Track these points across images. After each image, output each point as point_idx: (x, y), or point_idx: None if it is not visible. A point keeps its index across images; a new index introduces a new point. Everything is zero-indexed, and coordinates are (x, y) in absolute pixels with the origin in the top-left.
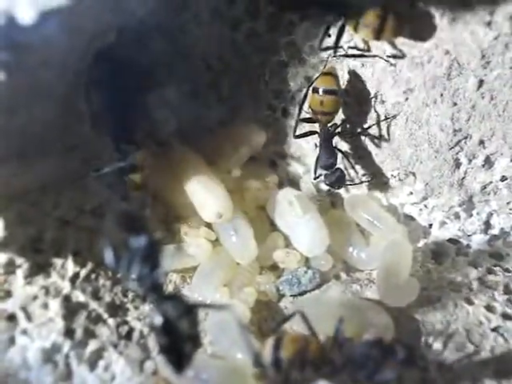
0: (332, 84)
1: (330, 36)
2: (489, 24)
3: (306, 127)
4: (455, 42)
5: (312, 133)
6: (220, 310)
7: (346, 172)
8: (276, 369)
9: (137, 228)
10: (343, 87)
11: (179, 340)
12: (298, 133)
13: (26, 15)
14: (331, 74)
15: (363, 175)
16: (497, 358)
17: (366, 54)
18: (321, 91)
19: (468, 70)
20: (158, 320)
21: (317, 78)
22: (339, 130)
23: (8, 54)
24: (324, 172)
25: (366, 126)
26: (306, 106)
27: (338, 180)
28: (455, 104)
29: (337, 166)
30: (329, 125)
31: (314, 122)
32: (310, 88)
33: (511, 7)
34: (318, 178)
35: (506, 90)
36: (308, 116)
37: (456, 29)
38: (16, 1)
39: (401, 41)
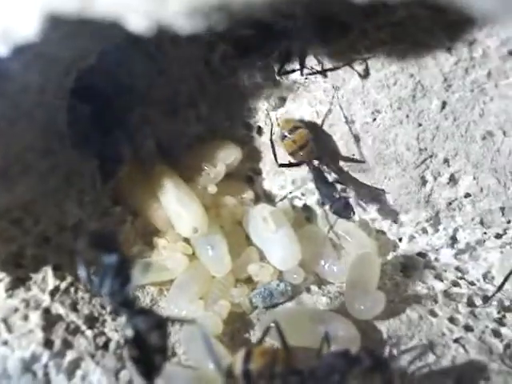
0: (292, 122)
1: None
2: (449, 49)
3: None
4: (419, 66)
5: (297, 164)
6: (188, 323)
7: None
8: (246, 381)
9: (108, 246)
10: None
11: (149, 352)
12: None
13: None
14: (286, 119)
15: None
16: (457, 368)
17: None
18: (287, 134)
19: (431, 93)
20: (129, 333)
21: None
22: (325, 161)
23: None
24: (329, 202)
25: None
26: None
27: (346, 208)
28: (420, 124)
29: (339, 195)
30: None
31: (300, 165)
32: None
33: (469, 35)
34: (324, 204)
35: (467, 111)
36: (291, 161)
37: (419, 53)
38: None
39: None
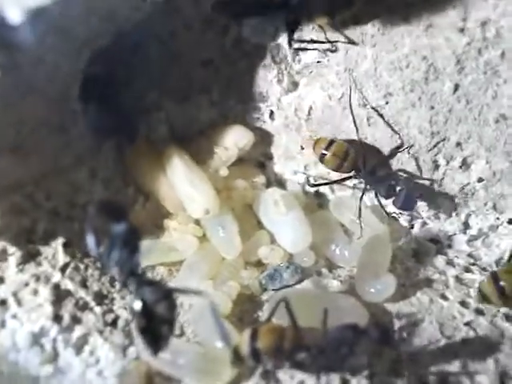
0: (323, 140)
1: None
2: (462, 30)
3: None
4: (432, 48)
5: (347, 178)
6: (196, 295)
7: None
8: (253, 359)
9: (117, 215)
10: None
11: (156, 323)
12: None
13: (14, 14)
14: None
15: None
16: (467, 350)
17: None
18: (324, 151)
19: (444, 75)
20: (137, 304)
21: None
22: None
23: (1, 54)
24: (390, 199)
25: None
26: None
27: (409, 200)
28: (433, 107)
29: (398, 188)
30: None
31: (349, 178)
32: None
33: (482, 13)
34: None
35: (480, 94)
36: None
37: (432, 35)
38: (3, 2)
39: (380, 47)
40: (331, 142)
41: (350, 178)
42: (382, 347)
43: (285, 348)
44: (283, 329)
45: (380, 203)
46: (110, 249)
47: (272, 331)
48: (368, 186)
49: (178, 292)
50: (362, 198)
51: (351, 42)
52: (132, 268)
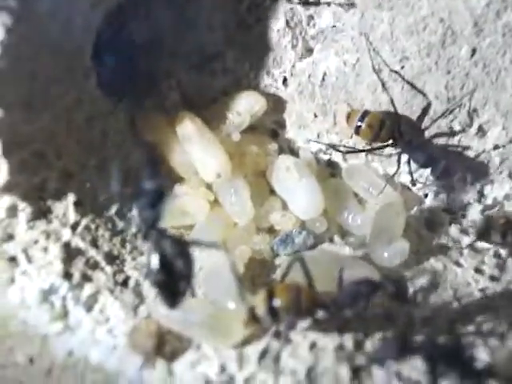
0: (356, 111)
1: None
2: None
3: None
4: (449, 10)
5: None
6: (214, 247)
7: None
8: (272, 318)
9: (151, 168)
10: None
11: (174, 277)
12: None
13: None
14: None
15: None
16: (481, 315)
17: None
18: (359, 123)
19: (462, 38)
20: (155, 258)
21: None
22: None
23: (16, 1)
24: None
25: None
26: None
27: (445, 170)
28: (449, 72)
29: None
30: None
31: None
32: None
33: None
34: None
35: (498, 58)
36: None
37: None
38: None
39: (396, 10)
40: (365, 113)
41: (386, 146)
42: (396, 301)
43: (302, 305)
44: (300, 286)
45: (410, 171)
46: (137, 199)
47: (289, 289)
48: (405, 155)
49: (197, 246)
50: (398, 167)
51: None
52: (153, 219)
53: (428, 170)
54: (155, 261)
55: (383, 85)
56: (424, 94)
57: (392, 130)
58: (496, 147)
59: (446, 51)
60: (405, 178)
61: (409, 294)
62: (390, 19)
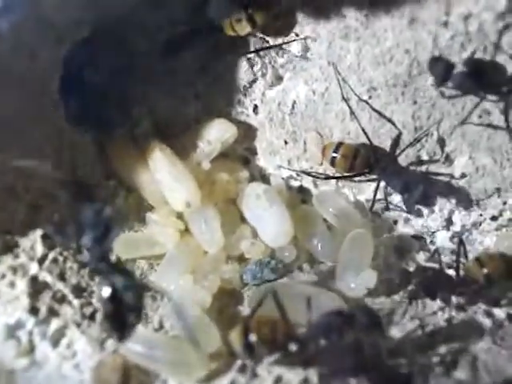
0: (331, 143)
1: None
2: (445, 24)
3: None
4: (415, 41)
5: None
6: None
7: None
8: (249, 353)
9: (87, 197)
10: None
11: (124, 310)
12: None
13: None
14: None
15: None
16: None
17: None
18: (334, 154)
19: (428, 69)
20: (106, 291)
21: None
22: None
23: None
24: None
25: None
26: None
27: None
28: (415, 102)
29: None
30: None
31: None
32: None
33: (464, 8)
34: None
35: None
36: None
37: (415, 29)
38: None
39: (363, 41)
40: (339, 145)
41: (362, 174)
42: (370, 332)
43: (278, 339)
44: (275, 320)
45: (386, 197)
46: (80, 232)
47: (265, 323)
48: (381, 182)
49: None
50: (375, 194)
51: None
52: (102, 253)
53: (399, 196)
54: (106, 293)
55: (352, 113)
56: (393, 124)
57: (367, 159)
58: (463, 176)
59: (413, 81)
60: (375, 206)
61: (383, 323)
62: (356, 50)
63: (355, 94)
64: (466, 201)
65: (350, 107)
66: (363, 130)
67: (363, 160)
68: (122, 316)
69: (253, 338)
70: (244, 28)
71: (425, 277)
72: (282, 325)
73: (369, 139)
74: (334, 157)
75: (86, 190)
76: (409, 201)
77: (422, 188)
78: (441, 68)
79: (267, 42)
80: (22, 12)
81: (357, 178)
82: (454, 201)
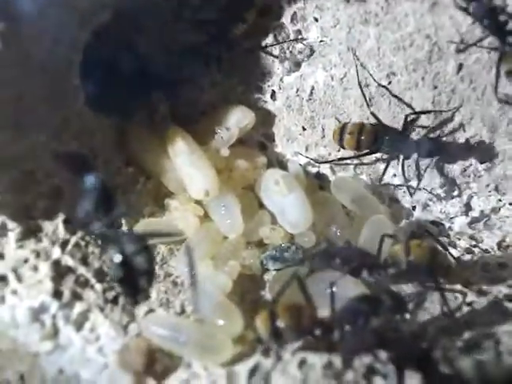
0: (339, 126)
1: None
2: (466, 9)
3: None
4: (436, 27)
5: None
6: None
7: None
8: (275, 339)
9: (83, 168)
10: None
11: (135, 274)
12: None
13: None
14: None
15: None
16: (469, 330)
17: None
18: (342, 134)
19: (448, 54)
20: (117, 257)
21: None
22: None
23: (4, 25)
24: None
25: None
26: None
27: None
28: (436, 87)
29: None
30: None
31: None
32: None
33: None
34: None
35: (484, 73)
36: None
37: (436, 13)
38: None
39: (383, 26)
40: (345, 124)
41: (373, 152)
42: (396, 314)
43: (304, 325)
44: (301, 306)
45: (404, 173)
46: (85, 201)
47: (291, 309)
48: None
49: (156, 236)
50: (385, 170)
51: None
52: (109, 220)
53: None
54: (117, 259)
55: (365, 98)
56: (412, 108)
57: (373, 134)
58: (482, 161)
59: (433, 67)
60: (393, 192)
61: (408, 307)
62: (376, 35)
63: (374, 80)
64: (485, 186)
65: (363, 93)
66: (368, 104)
67: (369, 135)
68: (134, 280)
69: (281, 323)
70: None
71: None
72: (308, 310)
73: (377, 118)
74: (342, 137)
75: (82, 160)
76: (422, 154)
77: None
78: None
79: (285, 27)
80: None
81: (373, 163)
82: (473, 186)
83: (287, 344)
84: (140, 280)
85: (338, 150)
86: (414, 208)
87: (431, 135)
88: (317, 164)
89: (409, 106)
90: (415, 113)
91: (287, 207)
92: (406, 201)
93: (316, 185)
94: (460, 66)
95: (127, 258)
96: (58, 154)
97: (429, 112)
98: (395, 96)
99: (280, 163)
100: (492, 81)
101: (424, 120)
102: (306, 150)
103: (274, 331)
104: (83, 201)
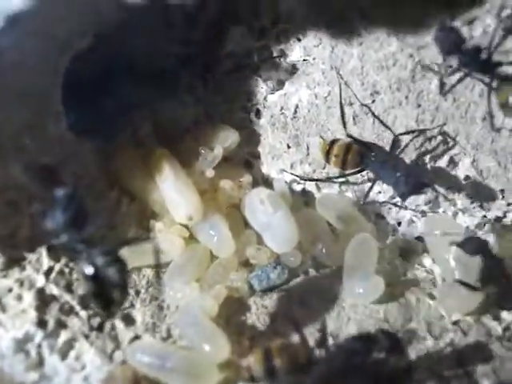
0: (325, 143)
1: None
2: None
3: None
4: (418, 46)
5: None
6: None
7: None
8: (270, 378)
9: (55, 181)
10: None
11: (108, 286)
12: None
13: None
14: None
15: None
16: (456, 351)
17: None
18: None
19: (431, 73)
20: (89, 270)
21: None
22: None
23: None
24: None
25: None
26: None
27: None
28: (419, 106)
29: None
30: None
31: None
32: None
33: (469, 14)
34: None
35: (467, 92)
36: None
37: (419, 33)
38: None
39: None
40: (332, 143)
41: (360, 171)
42: (392, 355)
43: (300, 364)
44: (293, 344)
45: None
46: (55, 216)
47: (285, 348)
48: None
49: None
50: (371, 188)
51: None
52: (80, 234)
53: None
54: (89, 272)
55: (343, 119)
56: (389, 129)
57: (359, 154)
58: (467, 178)
59: (416, 85)
60: (378, 208)
61: (403, 347)
62: (359, 54)
63: (357, 99)
64: (469, 203)
65: (342, 113)
66: (344, 125)
67: (355, 154)
68: (107, 293)
69: (277, 363)
70: None
71: None
72: (303, 350)
73: (354, 138)
74: (328, 154)
75: (51, 172)
76: (401, 193)
77: (414, 179)
78: (449, 37)
79: (269, 47)
80: (26, 28)
81: (359, 180)
82: (458, 203)
83: (281, 381)
84: (113, 292)
85: (324, 168)
86: (399, 224)
87: (418, 161)
88: (302, 181)
89: (387, 127)
90: (402, 134)
91: (272, 227)
92: (392, 217)
93: (301, 202)
94: (443, 85)
95: (98, 270)
96: (28, 166)
97: (413, 132)
98: (376, 116)
99: (265, 181)
100: (475, 99)
101: (408, 138)
102: (291, 167)
103: (269, 370)
104: (52, 212)
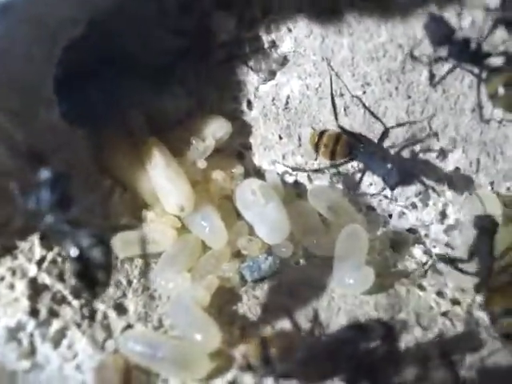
0: (315, 134)
1: None
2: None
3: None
4: (408, 37)
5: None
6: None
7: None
8: (266, 366)
9: (39, 162)
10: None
11: (93, 267)
12: None
13: None
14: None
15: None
16: (444, 341)
17: None
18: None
19: (421, 64)
20: (74, 251)
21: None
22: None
23: None
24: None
25: None
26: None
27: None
28: (409, 97)
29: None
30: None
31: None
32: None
33: (458, 6)
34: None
35: (457, 83)
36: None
37: (409, 23)
38: None
39: (358, 36)
40: (321, 134)
41: (349, 161)
42: (386, 343)
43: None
44: (292, 334)
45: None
46: (40, 197)
47: (281, 337)
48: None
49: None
50: (361, 179)
51: None
52: (66, 216)
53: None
54: (74, 253)
55: (335, 110)
56: (381, 120)
57: (348, 144)
58: (457, 169)
59: (406, 76)
60: (369, 200)
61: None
62: (350, 45)
63: (348, 90)
64: (459, 194)
65: (334, 104)
66: (336, 117)
67: (344, 146)
68: (91, 274)
69: (273, 352)
70: None
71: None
72: (298, 338)
73: (345, 130)
74: (318, 144)
75: (39, 157)
76: (390, 183)
77: (400, 170)
78: (439, 28)
79: (260, 37)
80: (17, 15)
81: (350, 172)
82: (448, 194)
83: (275, 370)
84: (98, 273)
85: (315, 159)
86: (390, 216)
87: (405, 153)
88: (294, 173)
89: (378, 118)
90: (392, 127)
91: (264, 218)
92: (382, 209)
93: (293, 193)
94: (433, 76)
95: (83, 251)
96: (13, 147)
97: (404, 124)
98: (366, 108)
99: (257, 172)
100: (465, 90)
101: (399, 129)
102: (283, 158)
103: (265, 359)
104: (35, 193)
